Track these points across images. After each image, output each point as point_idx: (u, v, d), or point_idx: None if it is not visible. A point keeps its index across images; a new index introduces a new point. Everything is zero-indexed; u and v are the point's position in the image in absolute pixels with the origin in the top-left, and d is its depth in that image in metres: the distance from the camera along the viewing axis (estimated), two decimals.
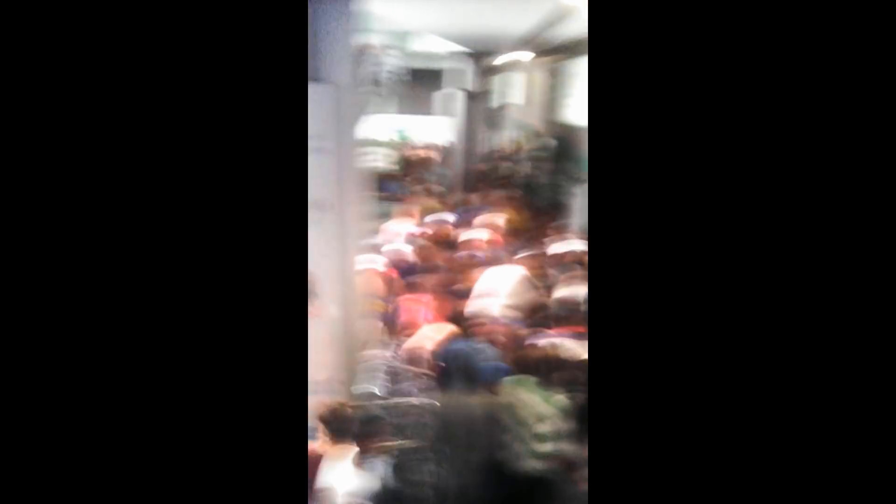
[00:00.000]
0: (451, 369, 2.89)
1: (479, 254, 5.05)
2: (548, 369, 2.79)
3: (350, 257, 3.22)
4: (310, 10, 2.83)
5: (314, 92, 2.86)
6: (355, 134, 3.11)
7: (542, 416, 2.69)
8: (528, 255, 4.37)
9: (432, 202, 6.92)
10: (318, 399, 2.70)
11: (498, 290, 4.21)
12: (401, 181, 8.87)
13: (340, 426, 2.41)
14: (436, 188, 8.31)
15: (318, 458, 2.41)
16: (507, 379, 3.12)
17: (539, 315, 3.72)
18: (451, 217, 6.14)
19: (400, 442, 3.07)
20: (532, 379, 2.81)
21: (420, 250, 4.68)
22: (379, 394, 3.38)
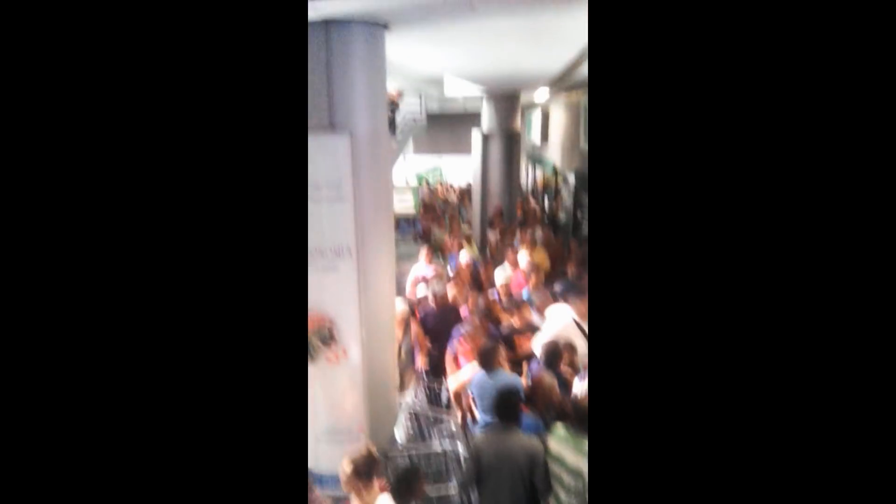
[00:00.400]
0: (494, 405, 2.77)
1: (505, 293, 4.99)
2: (580, 417, 2.64)
3: (371, 302, 3.22)
4: (329, 60, 2.94)
5: (330, 142, 2.93)
6: (374, 180, 3.16)
7: (572, 467, 2.55)
8: (571, 296, 4.12)
9: (454, 242, 6.92)
10: (343, 448, 2.66)
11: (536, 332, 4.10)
12: (421, 223, 8.92)
13: (368, 473, 2.36)
14: (458, 228, 8.34)
15: None
16: (539, 427, 2.99)
17: (573, 360, 3.56)
18: (474, 257, 6.11)
19: (428, 487, 2.98)
20: (565, 428, 2.67)
21: (442, 292, 4.64)
22: (403, 440, 3.31)
